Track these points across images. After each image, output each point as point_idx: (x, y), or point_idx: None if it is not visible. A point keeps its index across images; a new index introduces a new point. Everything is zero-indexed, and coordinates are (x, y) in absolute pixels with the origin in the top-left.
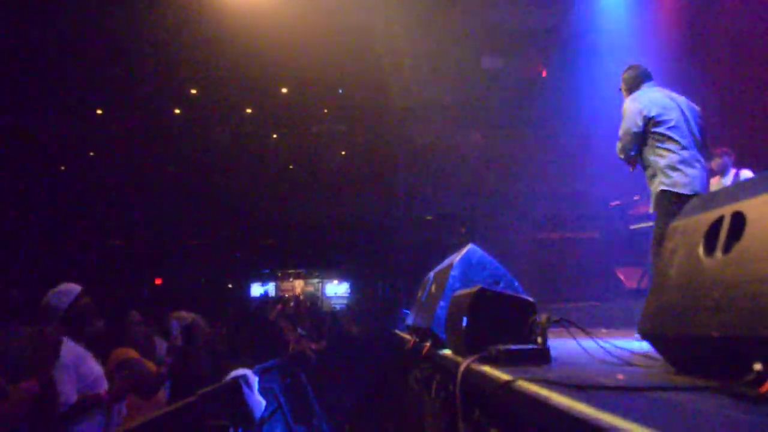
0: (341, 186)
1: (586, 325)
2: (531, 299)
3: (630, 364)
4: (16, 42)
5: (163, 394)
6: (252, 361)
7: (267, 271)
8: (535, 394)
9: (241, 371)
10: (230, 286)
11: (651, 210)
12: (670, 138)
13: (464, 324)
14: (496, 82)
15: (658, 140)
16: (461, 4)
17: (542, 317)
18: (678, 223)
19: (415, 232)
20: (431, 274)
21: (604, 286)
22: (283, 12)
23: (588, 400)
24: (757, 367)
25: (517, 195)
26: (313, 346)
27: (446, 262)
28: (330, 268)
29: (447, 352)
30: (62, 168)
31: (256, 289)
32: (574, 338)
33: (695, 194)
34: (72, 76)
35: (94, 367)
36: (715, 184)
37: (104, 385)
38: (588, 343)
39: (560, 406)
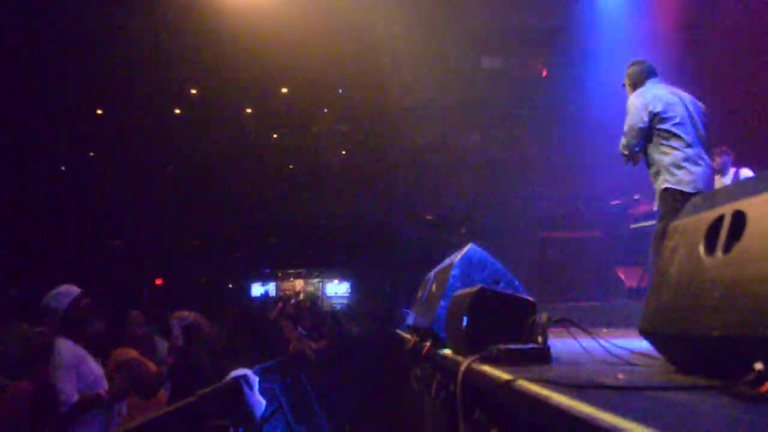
0: (341, 186)
1: (586, 325)
2: (531, 299)
3: (630, 364)
4: (16, 42)
5: (163, 394)
6: (252, 361)
7: (267, 271)
8: (535, 393)
9: (241, 371)
10: (230, 286)
11: (655, 207)
12: (675, 135)
13: (464, 324)
14: (497, 82)
15: (662, 137)
16: (461, 4)
17: (542, 317)
18: (678, 222)
19: (415, 232)
20: (431, 273)
21: (604, 286)
22: (283, 12)
23: (588, 400)
24: (758, 366)
25: (517, 195)
26: (313, 346)
27: (446, 261)
28: (330, 267)
29: (447, 351)
30: (62, 168)
31: (257, 289)
32: (575, 338)
33: (699, 192)
34: (72, 75)
35: (94, 367)
36: (715, 183)
37: (104, 386)
38: (588, 343)
39: (560, 405)
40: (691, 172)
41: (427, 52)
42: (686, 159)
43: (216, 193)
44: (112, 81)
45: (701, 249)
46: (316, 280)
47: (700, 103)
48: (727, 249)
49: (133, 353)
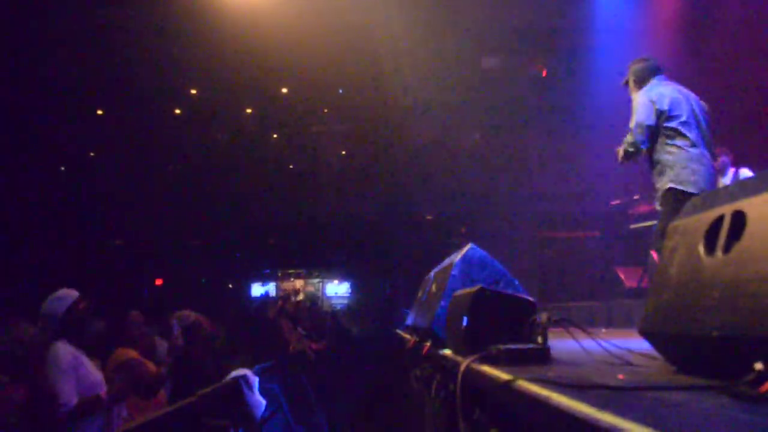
0: (341, 186)
1: (586, 325)
2: (531, 299)
3: (630, 364)
4: (16, 42)
5: (163, 394)
6: (252, 361)
7: (267, 271)
8: (535, 393)
9: (241, 371)
10: (230, 286)
11: (657, 207)
12: (680, 134)
13: (464, 324)
14: (497, 82)
15: (668, 136)
16: (461, 4)
17: (542, 317)
18: (678, 222)
19: (415, 232)
20: (431, 273)
21: (604, 286)
22: (283, 12)
23: (588, 400)
24: (758, 366)
25: (517, 195)
26: (313, 346)
27: (446, 262)
28: (330, 268)
29: (447, 351)
30: (62, 168)
31: (257, 289)
32: (575, 338)
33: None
34: (72, 76)
35: (92, 371)
36: None
37: (103, 389)
38: (588, 343)
39: (560, 405)
40: (695, 173)
41: (427, 52)
42: (691, 159)
43: (216, 193)
44: (112, 81)
45: (701, 249)
46: (316, 281)
47: (703, 102)
48: (726, 249)
49: (133, 353)
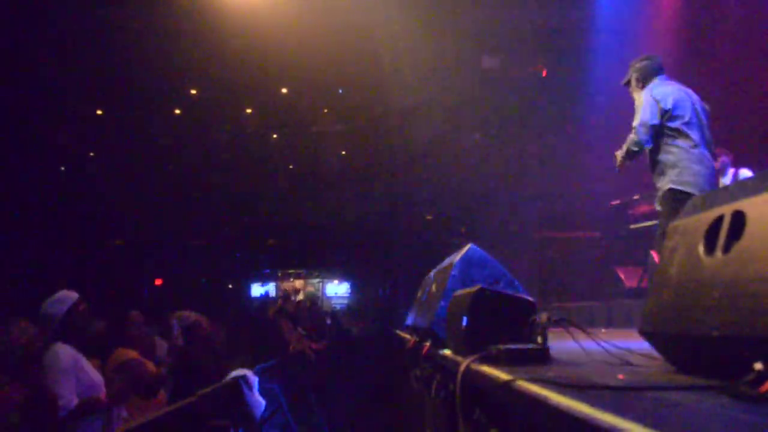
0: (341, 186)
1: (586, 325)
2: (531, 299)
3: (630, 364)
4: (16, 42)
5: (163, 394)
6: (252, 361)
7: (267, 271)
8: (535, 393)
9: (241, 371)
10: (230, 286)
11: (657, 207)
12: (683, 134)
13: (464, 324)
14: (497, 82)
15: (670, 136)
16: (461, 4)
17: (542, 317)
18: (678, 223)
19: (415, 232)
20: (431, 273)
21: (604, 286)
22: (283, 12)
23: (588, 400)
24: (757, 366)
25: (517, 195)
26: (313, 346)
27: (446, 261)
28: (330, 268)
29: (447, 351)
30: (62, 168)
31: (257, 289)
32: (574, 338)
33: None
34: (72, 76)
35: (92, 373)
36: None
37: (102, 391)
38: (588, 343)
39: (560, 405)
40: (696, 173)
41: (427, 52)
42: (692, 159)
43: (216, 193)
44: (112, 81)
45: (701, 249)
46: (316, 281)
47: (704, 103)
48: (726, 249)
49: (133, 354)
